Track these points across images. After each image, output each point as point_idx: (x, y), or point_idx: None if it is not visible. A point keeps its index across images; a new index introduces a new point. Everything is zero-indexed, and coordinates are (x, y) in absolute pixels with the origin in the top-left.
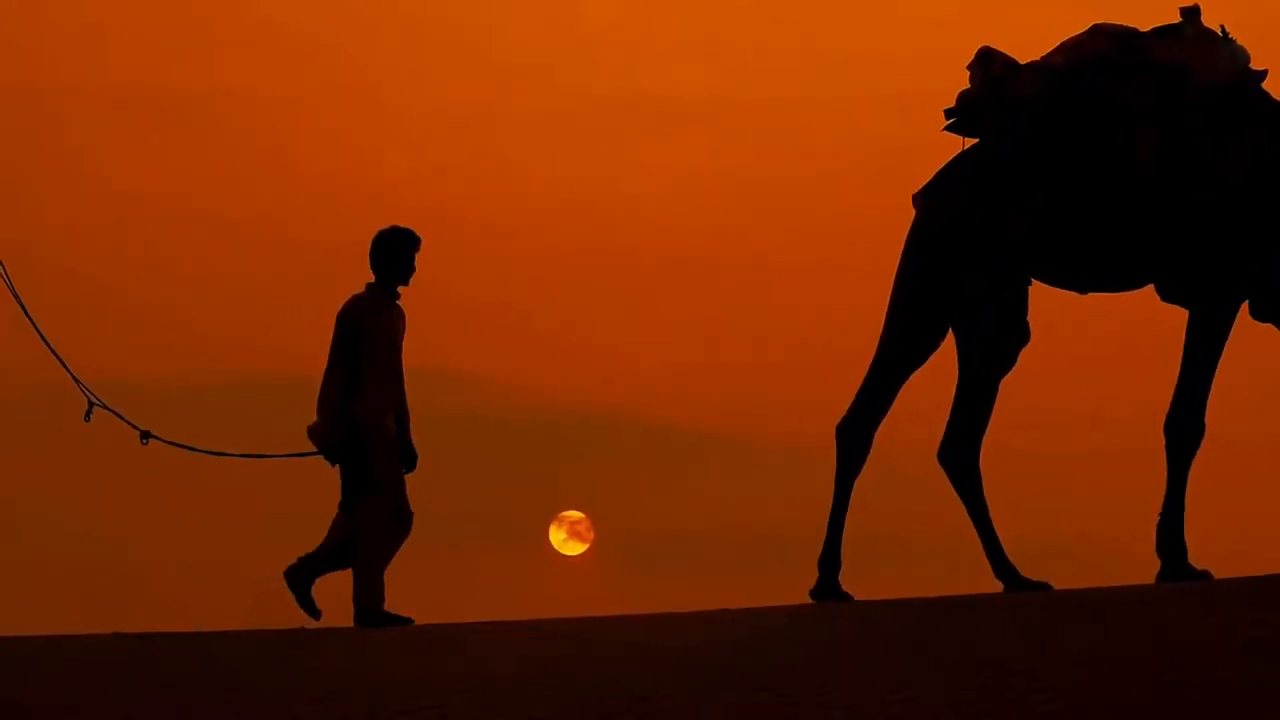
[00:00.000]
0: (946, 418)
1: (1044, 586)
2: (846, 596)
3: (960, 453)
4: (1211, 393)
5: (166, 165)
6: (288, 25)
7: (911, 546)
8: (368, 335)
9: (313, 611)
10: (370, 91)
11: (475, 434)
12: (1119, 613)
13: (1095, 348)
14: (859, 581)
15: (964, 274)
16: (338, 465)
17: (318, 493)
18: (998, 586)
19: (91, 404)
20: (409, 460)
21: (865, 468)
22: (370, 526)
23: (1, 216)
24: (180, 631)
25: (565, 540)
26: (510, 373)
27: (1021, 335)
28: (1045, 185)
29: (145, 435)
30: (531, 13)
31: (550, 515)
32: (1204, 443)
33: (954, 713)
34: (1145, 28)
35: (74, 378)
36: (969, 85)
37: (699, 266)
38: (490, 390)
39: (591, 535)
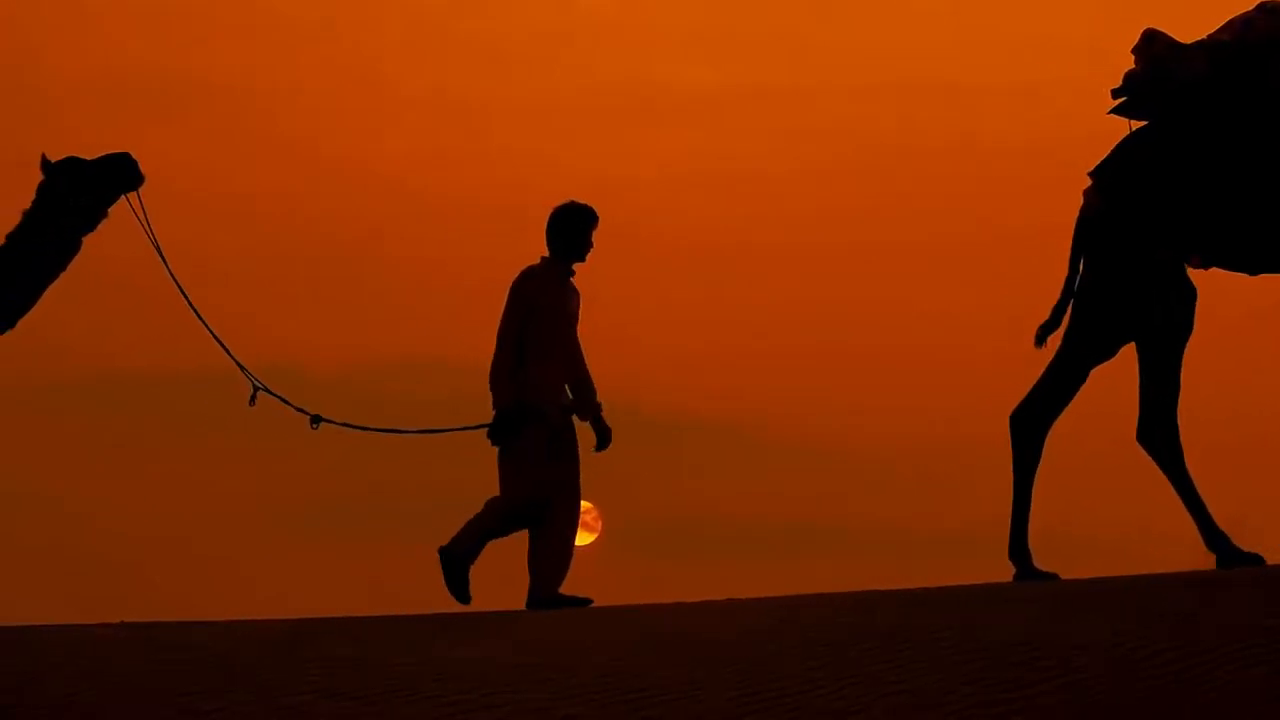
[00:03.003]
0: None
1: (1051, 577)
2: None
3: (1033, 421)
4: (1218, 387)
5: (163, 151)
6: (286, 11)
7: (913, 538)
8: (537, 310)
9: (582, 600)
10: (369, 77)
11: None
12: (1120, 603)
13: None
14: (861, 572)
15: (1120, 257)
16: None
17: (313, 485)
18: (999, 577)
19: (256, 389)
20: (604, 439)
21: (869, 460)
22: (505, 501)
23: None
24: (185, 620)
25: None
26: None
27: (1186, 324)
28: (1213, 165)
29: (315, 419)
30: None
31: None
32: (1208, 436)
33: (955, 703)
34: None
35: (239, 365)
36: (1134, 67)
37: (704, 255)
38: None
39: (599, 525)
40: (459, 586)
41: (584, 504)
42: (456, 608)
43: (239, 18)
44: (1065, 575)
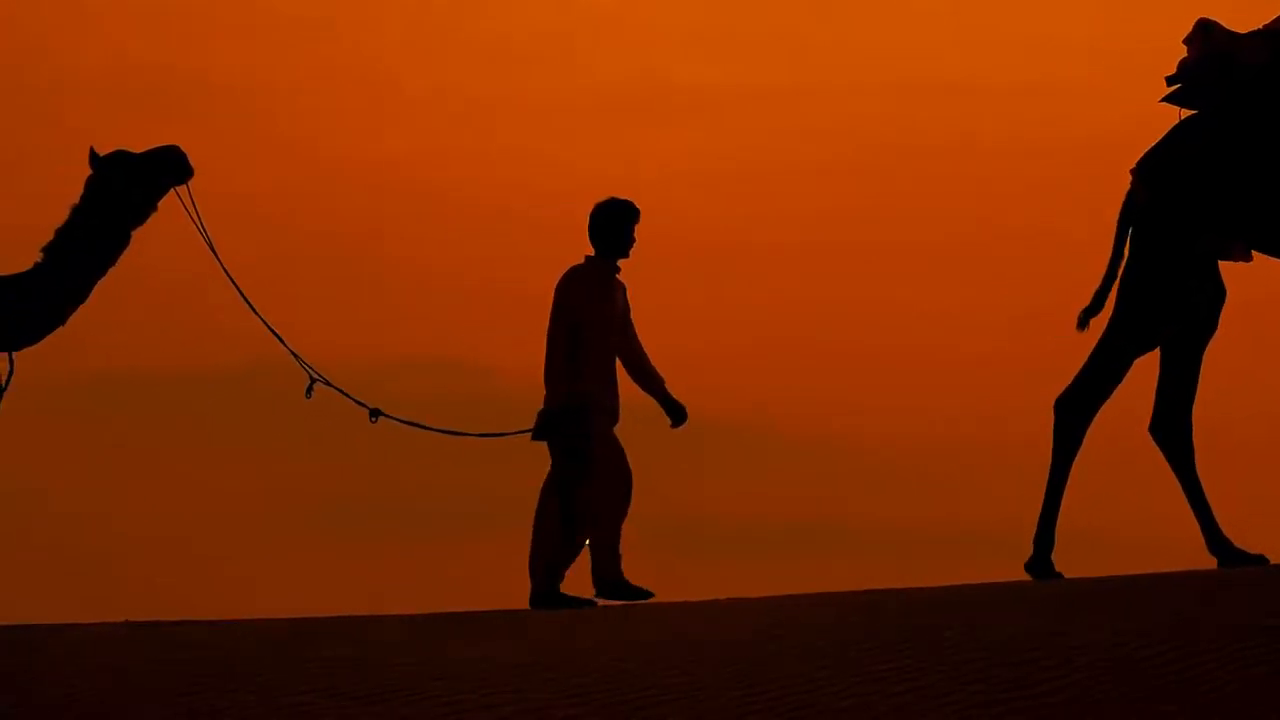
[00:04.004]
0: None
1: (1057, 577)
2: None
3: (1077, 408)
4: (1222, 385)
5: None
6: (289, 9)
7: (915, 537)
8: (583, 309)
9: (586, 601)
10: (372, 76)
11: (483, 422)
12: (1122, 603)
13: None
14: (864, 572)
15: (1164, 246)
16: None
17: (315, 485)
18: (1001, 576)
19: (313, 380)
20: (678, 416)
21: (871, 460)
22: (581, 508)
23: (0, 203)
24: (187, 620)
25: None
26: (517, 360)
27: (1209, 321)
28: (1271, 152)
29: (375, 413)
30: None
31: None
32: (1209, 435)
33: (961, 702)
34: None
35: (296, 356)
36: (1188, 56)
37: (706, 253)
38: (498, 378)
39: None
40: (633, 591)
41: None
42: (457, 607)
43: (242, 16)
44: (1068, 575)
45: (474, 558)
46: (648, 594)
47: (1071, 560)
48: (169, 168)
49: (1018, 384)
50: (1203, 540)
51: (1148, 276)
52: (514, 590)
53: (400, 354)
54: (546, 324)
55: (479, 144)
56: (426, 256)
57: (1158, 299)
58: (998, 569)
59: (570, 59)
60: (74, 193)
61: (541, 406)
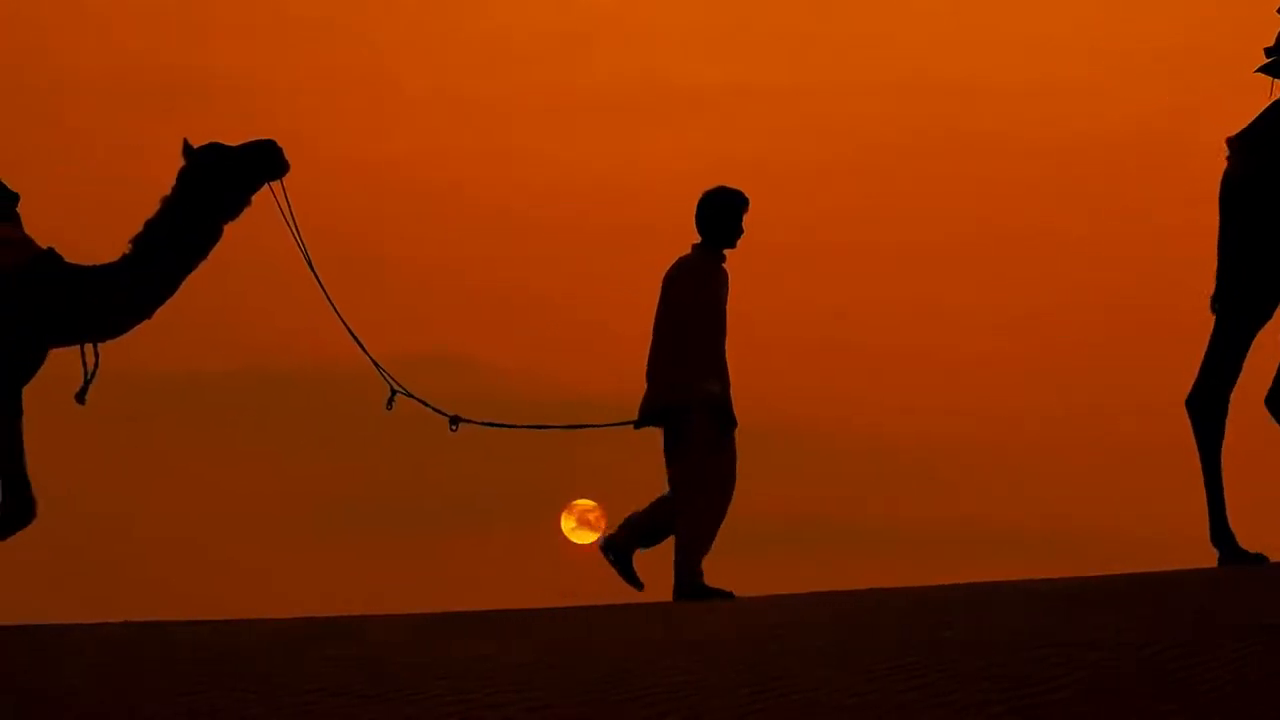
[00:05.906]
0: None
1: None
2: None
3: (1204, 402)
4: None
5: (166, 150)
6: (292, 7)
7: (919, 535)
8: (691, 298)
9: (636, 583)
10: (372, 75)
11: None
12: (1126, 601)
13: (1116, 334)
14: (867, 570)
15: (1255, 224)
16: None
17: (319, 484)
18: (1006, 574)
19: (394, 391)
20: (728, 424)
21: (871, 459)
22: (688, 495)
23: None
24: (192, 620)
25: (575, 529)
26: (520, 358)
27: None
28: None
29: (455, 420)
30: None
31: (561, 503)
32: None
33: (961, 701)
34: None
35: (377, 365)
36: None
37: None
38: (500, 376)
39: (603, 524)
40: (713, 592)
41: (587, 502)
42: (461, 606)
43: (242, 16)
44: (1071, 572)
45: (479, 556)
46: (730, 594)
47: (1072, 559)
48: (266, 162)
49: (1018, 384)
50: (1208, 533)
51: (1242, 252)
52: (518, 588)
53: (400, 354)
54: (654, 315)
55: (479, 144)
56: (426, 256)
57: (1250, 275)
58: (999, 568)
59: (570, 59)
60: (74, 193)
61: (643, 397)
